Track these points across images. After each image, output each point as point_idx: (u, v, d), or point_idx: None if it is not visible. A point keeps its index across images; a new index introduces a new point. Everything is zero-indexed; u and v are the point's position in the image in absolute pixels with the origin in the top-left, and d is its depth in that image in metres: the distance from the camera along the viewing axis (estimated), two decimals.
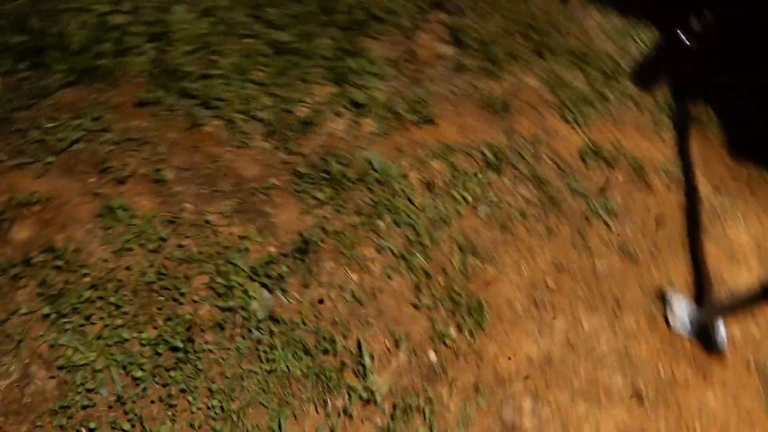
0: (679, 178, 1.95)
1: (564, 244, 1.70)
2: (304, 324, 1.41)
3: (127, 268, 1.40)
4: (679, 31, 2.14)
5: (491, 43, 2.05)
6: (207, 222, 1.51)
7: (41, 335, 1.29)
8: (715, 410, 1.49)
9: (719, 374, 1.56)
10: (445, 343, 1.45)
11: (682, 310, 1.65)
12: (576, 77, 2.12)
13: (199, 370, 1.30)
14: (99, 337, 1.31)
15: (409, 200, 1.67)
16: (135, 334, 1.33)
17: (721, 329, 1.61)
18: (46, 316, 1.31)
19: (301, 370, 1.35)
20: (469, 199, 1.72)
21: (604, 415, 1.42)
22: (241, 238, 1.51)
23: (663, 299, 1.66)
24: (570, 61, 2.15)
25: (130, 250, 1.43)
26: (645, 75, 2.17)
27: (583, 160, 1.90)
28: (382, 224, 1.62)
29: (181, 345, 1.32)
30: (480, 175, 1.78)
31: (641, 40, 2.36)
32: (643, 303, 1.63)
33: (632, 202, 1.85)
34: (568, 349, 1.51)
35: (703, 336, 1.62)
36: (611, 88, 2.13)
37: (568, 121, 2.00)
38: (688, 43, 2.18)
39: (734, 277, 1.76)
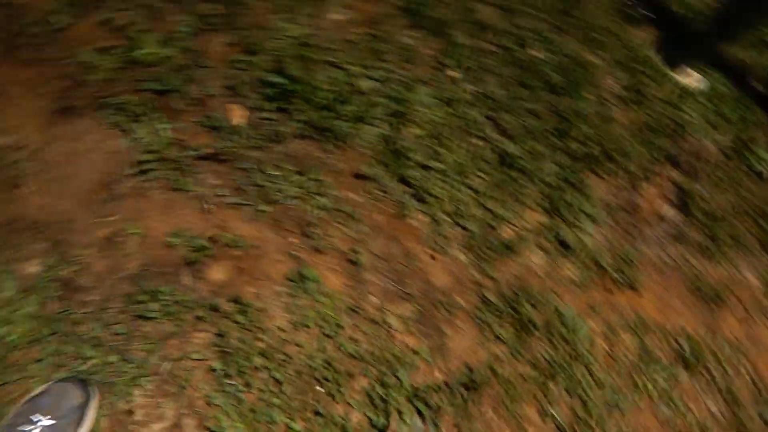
0: None
1: None
2: None
3: (299, 345, 1.31)
4: None
5: (718, 220, 1.79)
6: (386, 323, 1.39)
7: (203, 387, 1.22)
8: None
9: None
10: None
11: None
12: None
13: None
14: (252, 410, 1.22)
15: (589, 371, 1.46)
16: (285, 419, 1.22)
17: None
18: (213, 370, 1.24)
19: None
20: (653, 393, 1.47)
21: None
22: (414, 352, 1.37)
23: None
24: None
25: (307, 327, 1.34)
26: None
27: None
28: (553, 388, 1.42)
29: None
30: (671, 369, 1.52)
31: None
32: None
33: None
34: None
35: None
36: None
37: None
38: None
39: None
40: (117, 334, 1.24)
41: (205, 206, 1.44)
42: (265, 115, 1.62)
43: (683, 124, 2.03)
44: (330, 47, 1.81)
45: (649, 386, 1.48)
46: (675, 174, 1.88)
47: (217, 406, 1.21)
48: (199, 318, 1.29)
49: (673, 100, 2.10)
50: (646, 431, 1.43)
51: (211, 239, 1.39)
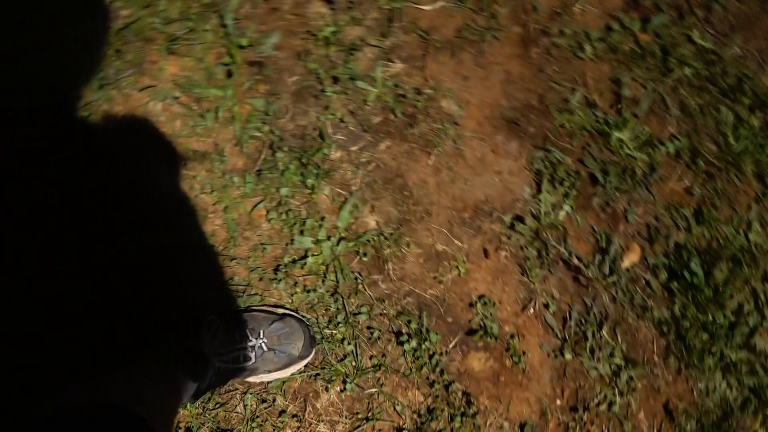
0: None
1: None
2: None
3: None
4: None
5: None
6: None
7: None
8: None
9: None
10: None
11: None
12: None
13: None
14: None
15: None
16: None
17: None
18: (400, 430, 1.15)
19: None
20: None
21: None
22: None
23: None
24: None
25: None
26: None
27: None
28: None
29: None
30: None
31: None
32: None
33: None
34: None
35: None
36: None
37: None
38: None
39: None
40: (370, 329, 1.22)
41: (528, 306, 1.28)
42: (651, 279, 1.34)
43: None
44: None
45: None
46: None
47: None
48: (431, 383, 1.20)
49: None
50: None
51: (503, 332, 1.25)
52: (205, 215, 1.27)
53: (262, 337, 1.10)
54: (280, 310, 1.18)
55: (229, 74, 1.39)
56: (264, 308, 1.18)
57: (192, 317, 1.08)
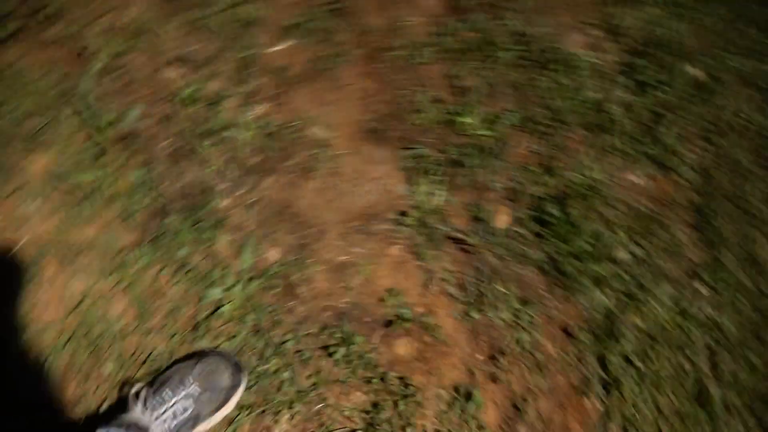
0: None
1: None
2: None
3: None
4: None
5: None
6: None
7: None
8: None
9: None
10: None
11: None
12: None
13: None
14: None
15: None
16: None
17: None
18: None
19: None
20: None
21: None
22: None
23: None
24: None
25: None
26: None
27: None
28: None
29: None
30: None
31: None
32: None
33: None
34: None
35: None
36: None
37: None
38: None
39: None
40: (299, 352, 1.23)
41: (430, 285, 1.36)
42: (523, 231, 1.47)
43: None
44: (613, 204, 1.58)
45: None
46: None
47: None
48: (367, 380, 1.23)
49: None
50: None
51: (416, 314, 1.31)
52: (106, 300, 1.20)
53: (191, 383, 1.07)
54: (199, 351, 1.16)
55: (100, 154, 1.34)
56: (181, 357, 1.16)
57: (117, 395, 1.03)
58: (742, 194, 1.64)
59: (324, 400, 1.21)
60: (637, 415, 1.35)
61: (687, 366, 1.45)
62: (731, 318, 1.55)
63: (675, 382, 1.41)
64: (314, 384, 1.22)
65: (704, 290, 1.57)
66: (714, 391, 1.42)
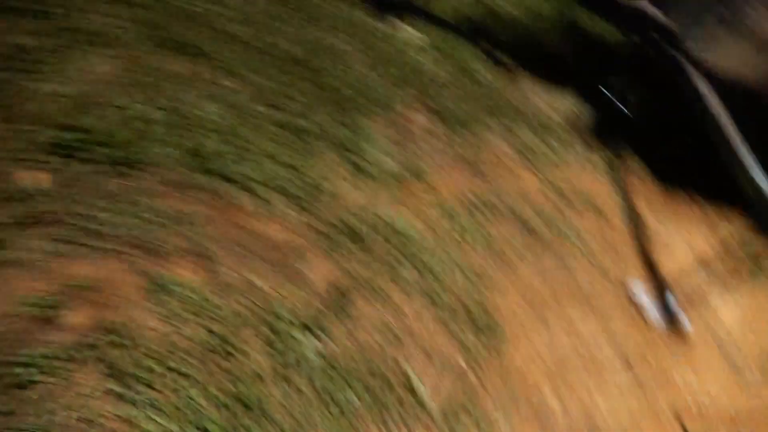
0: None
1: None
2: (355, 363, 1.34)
3: (185, 336, 1.28)
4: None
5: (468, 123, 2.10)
6: (252, 284, 1.42)
7: (115, 413, 1.14)
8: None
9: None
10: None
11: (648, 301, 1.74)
12: None
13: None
14: (175, 407, 1.17)
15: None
16: (205, 398, 1.20)
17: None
18: (117, 393, 1.17)
19: (361, 403, 1.28)
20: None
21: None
22: (283, 296, 1.42)
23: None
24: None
25: (185, 319, 1.31)
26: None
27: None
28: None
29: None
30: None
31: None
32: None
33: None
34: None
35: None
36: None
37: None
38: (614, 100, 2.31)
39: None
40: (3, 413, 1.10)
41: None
42: (69, 170, 1.50)
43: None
44: (109, 95, 1.72)
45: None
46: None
47: (138, 422, 1.14)
48: (81, 361, 1.19)
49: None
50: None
51: (59, 293, 1.28)
52: None
53: None
54: None
55: None
56: None
57: None
58: None
59: (70, 409, 1.14)
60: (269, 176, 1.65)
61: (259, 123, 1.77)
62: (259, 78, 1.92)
63: (268, 134, 1.73)
64: (49, 411, 1.12)
65: (230, 82, 1.84)
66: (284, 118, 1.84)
